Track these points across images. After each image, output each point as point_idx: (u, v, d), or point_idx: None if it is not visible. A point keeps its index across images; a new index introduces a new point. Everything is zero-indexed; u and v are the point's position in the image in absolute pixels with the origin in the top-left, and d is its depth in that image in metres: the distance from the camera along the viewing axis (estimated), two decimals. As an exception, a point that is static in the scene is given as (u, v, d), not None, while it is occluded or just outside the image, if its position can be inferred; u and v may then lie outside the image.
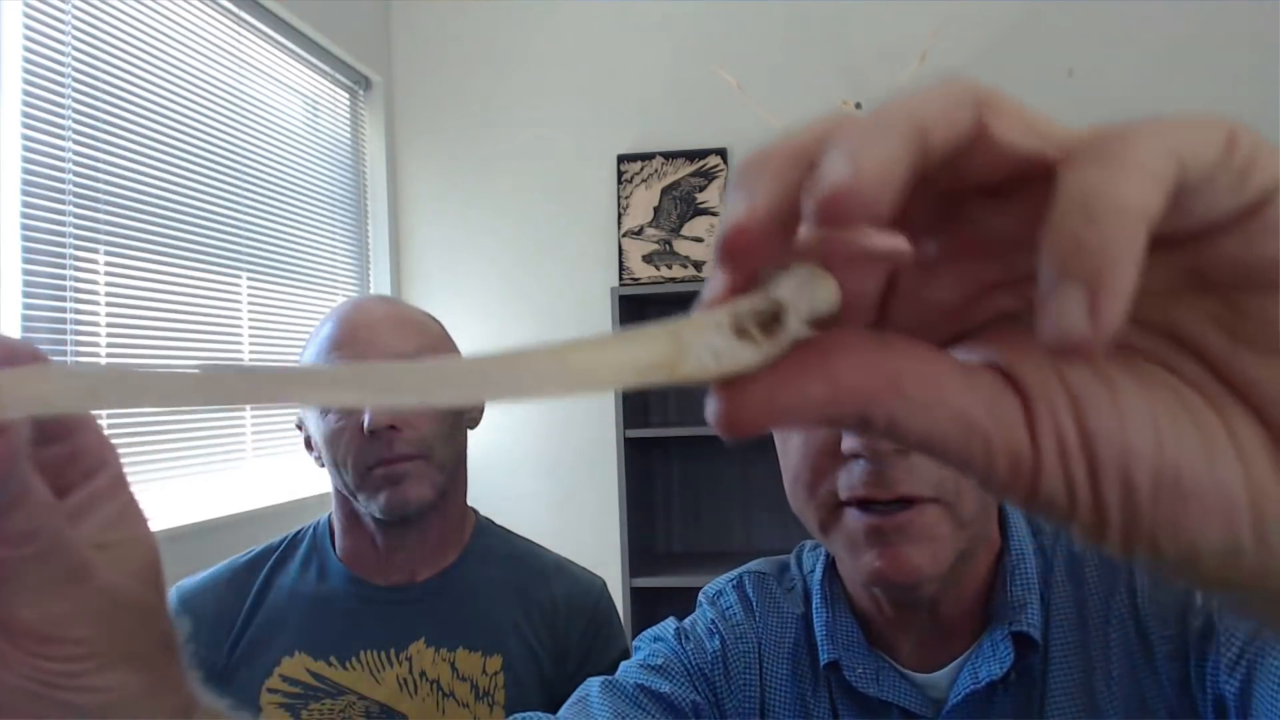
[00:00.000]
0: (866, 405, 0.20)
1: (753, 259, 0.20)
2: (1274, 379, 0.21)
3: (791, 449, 0.67)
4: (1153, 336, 0.22)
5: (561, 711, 0.71)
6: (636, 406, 2.34)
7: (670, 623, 0.80)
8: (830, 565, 0.76)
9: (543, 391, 0.20)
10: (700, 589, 0.83)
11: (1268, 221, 0.20)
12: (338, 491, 1.07)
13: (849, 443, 0.61)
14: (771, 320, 0.21)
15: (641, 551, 2.29)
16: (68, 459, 0.30)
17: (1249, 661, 0.58)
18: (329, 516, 1.12)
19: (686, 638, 0.77)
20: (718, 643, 0.76)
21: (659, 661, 0.74)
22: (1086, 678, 0.65)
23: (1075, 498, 0.20)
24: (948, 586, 0.67)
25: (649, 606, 2.24)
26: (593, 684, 0.73)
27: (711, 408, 0.21)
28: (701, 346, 0.21)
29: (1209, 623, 0.62)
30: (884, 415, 0.20)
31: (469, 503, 1.16)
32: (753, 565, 0.82)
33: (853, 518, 0.63)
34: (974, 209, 0.22)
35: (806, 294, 0.21)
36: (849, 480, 0.63)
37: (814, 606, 0.75)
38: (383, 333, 1.03)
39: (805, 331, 0.21)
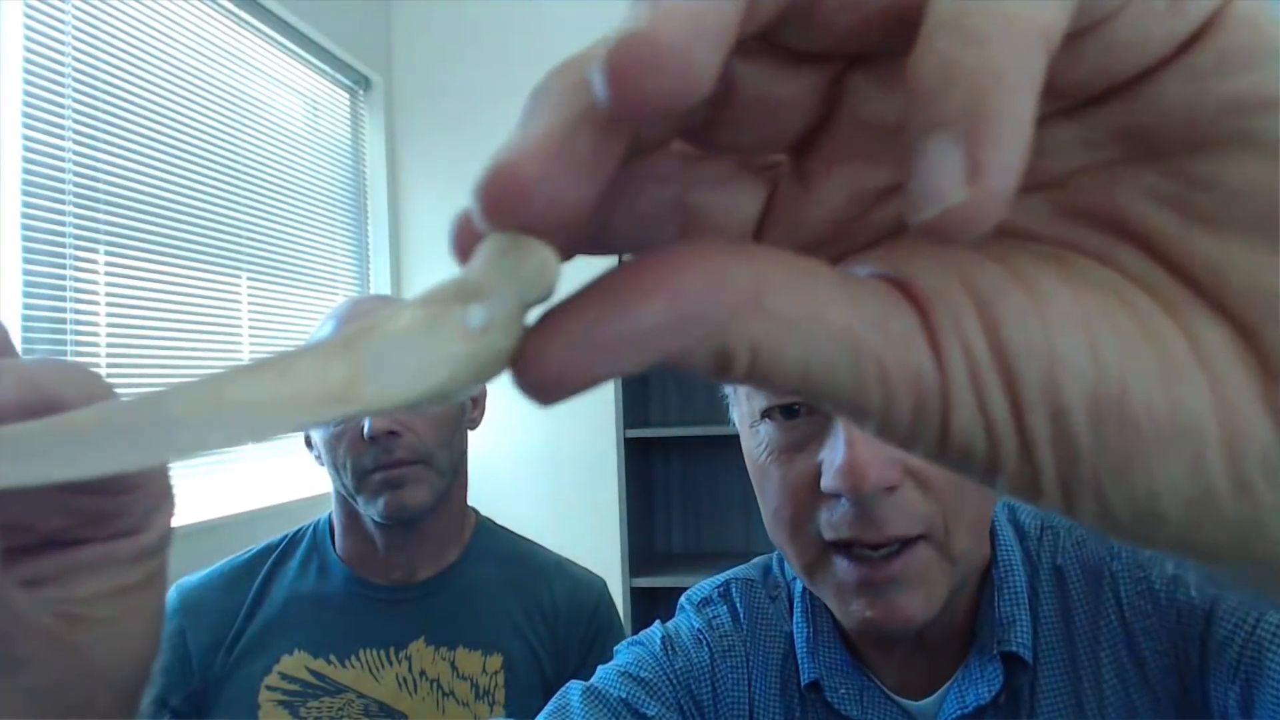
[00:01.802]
0: (722, 330, 0.15)
1: (529, 211, 0.15)
2: (1242, 264, 0.16)
3: (769, 485, 0.62)
4: (1084, 226, 0.17)
5: (539, 717, 0.68)
6: (636, 406, 2.34)
7: (656, 629, 0.75)
8: None
9: (206, 442, 0.14)
10: None
11: (1218, 51, 0.15)
12: (337, 492, 1.07)
13: (828, 481, 0.56)
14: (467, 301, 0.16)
15: (641, 551, 2.29)
16: (102, 514, 0.25)
17: (1247, 667, 0.55)
18: (329, 515, 1.12)
19: (673, 648, 0.72)
20: (705, 654, 0.71)
21: (645, 674, 0.70)
22: (1076, 698, 0.62)
23: (995, 436, 0.16)
24: (934, 619, 0.63)
25: (649, 607, 2.24)
26: (573, 690, 0.69)
27: (517, 367, 0.16)
28: (391, 355, 0.15)
29: (1204, 627, 0.58)
30: (745, 342, 0.15)
31: (469, 502, 1.16)
32: (739, 572, 0.77)
33: (842, 568, 0.59)
34: (854, 96, 0.17)
35: (509, 273, 0.16)
36: (833, 521, 0.58)
37: (795, 621, 0.71)
38: None
39: (518, 326, 0.16)
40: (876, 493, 0.56)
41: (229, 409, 0.14)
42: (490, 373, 0.16)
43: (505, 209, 0.15)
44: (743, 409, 0.65)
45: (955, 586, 0.61)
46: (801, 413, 0.59)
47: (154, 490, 0.26)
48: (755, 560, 0.79)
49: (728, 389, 0.70)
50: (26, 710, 0.23)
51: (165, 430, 0.14)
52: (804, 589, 0.71)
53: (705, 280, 0.15)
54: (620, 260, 0.17)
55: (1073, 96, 0.16)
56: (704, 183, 0.18)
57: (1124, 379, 0.15)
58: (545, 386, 0.15)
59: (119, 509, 0.25)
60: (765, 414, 0.61)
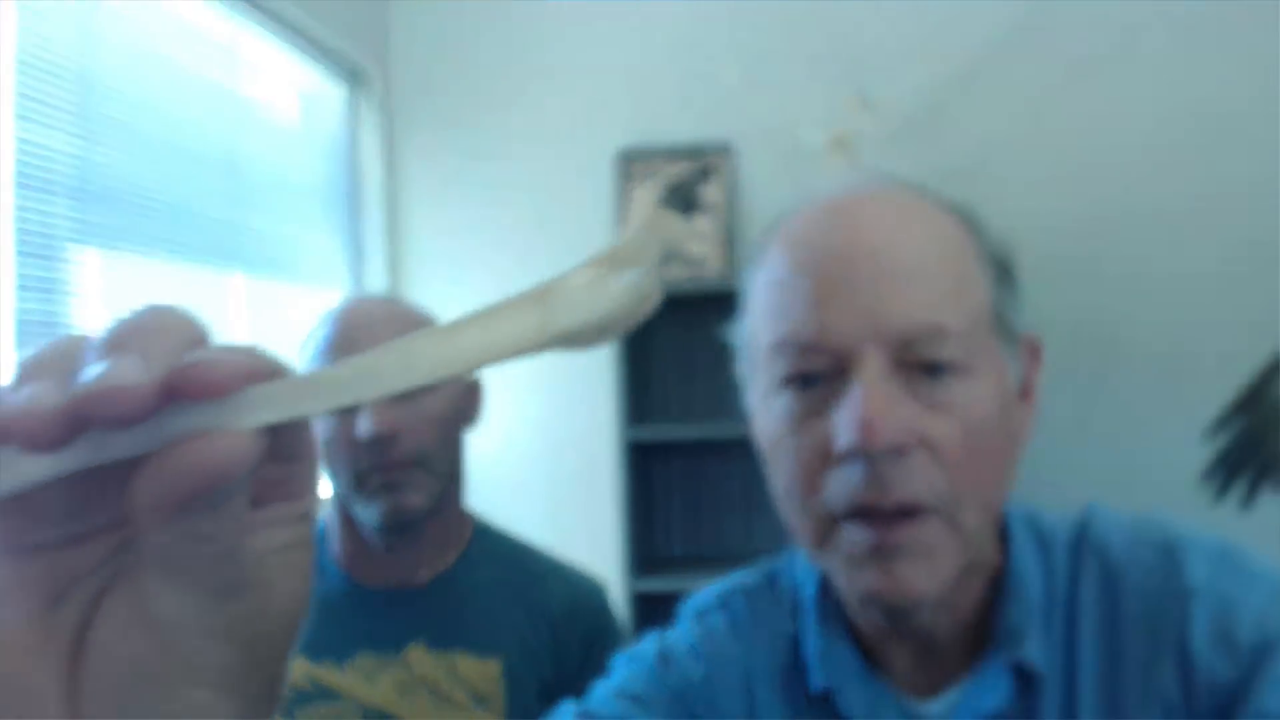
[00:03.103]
0: None
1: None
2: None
3: (782, 456, 0.63)
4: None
5: None
6: (637, 407, 2.32)
7: (651, 642, 0.74)
8: (825, 581, 0.71)
9: (436, 376, 0.22)
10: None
11: None
12: (334, 494, 1.05)
13: (841, 441, 0.57)
14: (616, 260, 0.23)
15: (642, 554, 2.28)
16: (276, 480, 0.29)
17: None
18: (325, 519, 1.11)
19: (668, 662, 0.71)
20: (701, 668, 0.71)
21: (639, 690, 0.69)
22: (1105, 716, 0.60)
23: None
24: (946, 607, 0.63)
25: (650, 610, 2.23)
26: (566, 712, 0.68)
27: None
28: (572, 300, 0.22)
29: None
30: None
31: (468, 505, 1.15)
32: (739, 580, 0.77)
33: (852, 534, 0.59)
34: None
35: (649, 233, 0.24)
36: (844, 487, 0.59)
37: (807, 626, 0.70)
38: (380, 332, 1.02)
39: (653, 278, 0.23)
40: (888, 453, 0.57)
41: (457, 350, 0.22)
42: (638, 311, 0.23)
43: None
44: (761, 382, 0.65)
45: (964, 568, 0.61)
46: (819, 381, 0.60)
47: (311, 464, 0.31)
48: (758, 566, 0.78)
49: (744, 367, 0.70)
50: (231, 635, 0.27)
51: (413, 368, 0.22)
52: (817, 594, 0.70)
53: None
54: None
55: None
56: None
57: None
58: None
59: (288, 476, 0.29)
60: (783, 383, 0.62)
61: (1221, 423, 1.62)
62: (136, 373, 0.24)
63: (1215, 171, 2.25)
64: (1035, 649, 0.62)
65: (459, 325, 0.22)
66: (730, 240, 2.42)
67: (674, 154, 2.48)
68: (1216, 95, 2.26)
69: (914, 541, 0.58)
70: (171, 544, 0.25)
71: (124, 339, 0.26)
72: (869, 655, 0.68)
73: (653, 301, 0.23)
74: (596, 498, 2.44)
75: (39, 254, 1.49)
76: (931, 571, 0.59)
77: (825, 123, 2.29)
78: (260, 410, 0.24)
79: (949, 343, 0.59)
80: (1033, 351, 0.67)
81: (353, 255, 2.58)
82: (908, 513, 0.58)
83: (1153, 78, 2.30)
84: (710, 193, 2.45)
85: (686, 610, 0.76)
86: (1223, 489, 1.59)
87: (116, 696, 0.26)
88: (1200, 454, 1.66)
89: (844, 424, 0.57)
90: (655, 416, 2.50)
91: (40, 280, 1.49)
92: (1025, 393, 0.66)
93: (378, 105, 2.64)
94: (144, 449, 0.24)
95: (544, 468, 2.52)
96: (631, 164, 2.50)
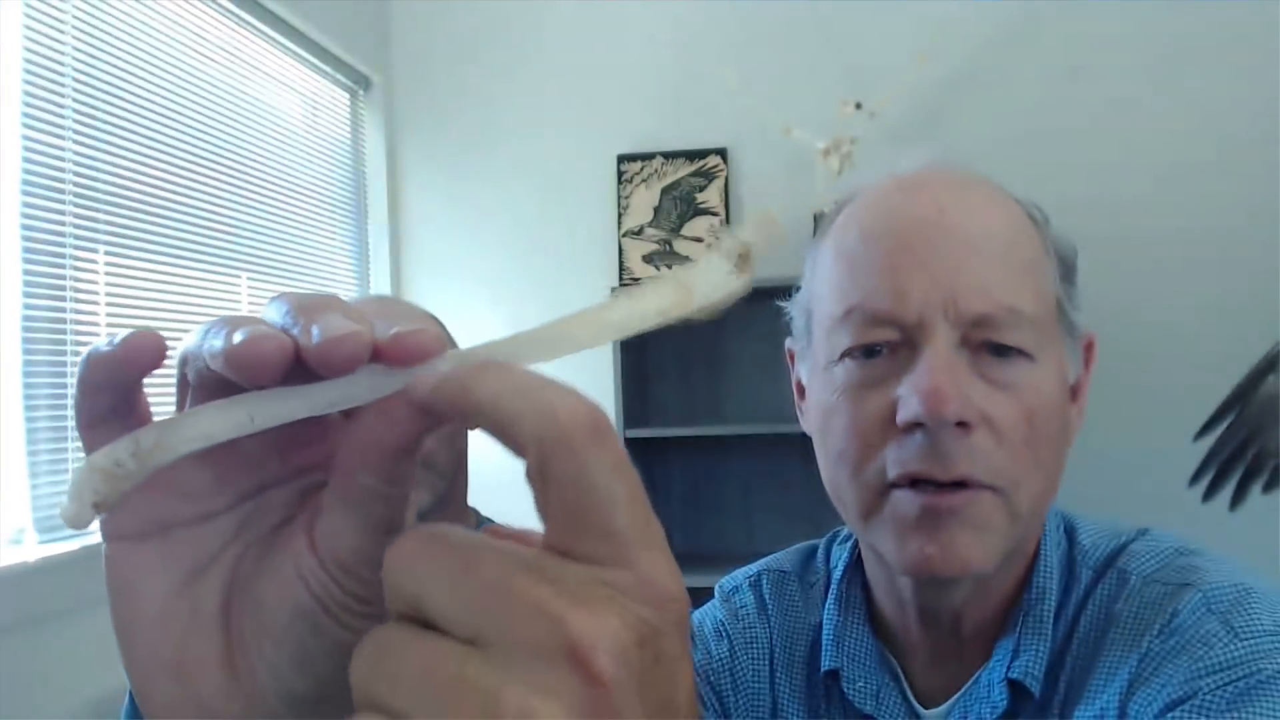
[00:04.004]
0: None
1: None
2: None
3: (837, 423, 0.60)
4: None
5: None
6: (636, 406, 2.34)
7: None
8: (853, 564, 0.71)
9: (594, 342, 0.26)
10: (701, 589, 0.79)
11: None
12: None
13: (907, 411, 0.56)
14: (742, 259, 0.28)
15: (641, 552, 2.28)
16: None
17: None
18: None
19: (693, 640, 0.71)
20: (725, 647, 0.71)
21: None
22: None
23: None
24: (983, 591, 0.62)
25: (649, 607, 2.24)
26: None
27: None
28: (705, 284, 0.27)
29: None
30: None
31: (470, 502, 1.16)
32: (774, 561, 0.76)
33: (903, 498, 0.57)
34: None
35: (765, 231, 0.28)
36: (902, 455, 0.57)
37: (826, 607, 0.69)
38: None
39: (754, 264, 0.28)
40: (951, 428, 0.56)
41: (606, 323, 0.26)
42: (746, 287, 0.27)
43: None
44: (819, 353, 0.64)
45: (1011, 550, 0.60)
46: (883, 352, 0.59)
47: (458, 437, 0.37)
48: (798, 546, 0.78)
49: (800, 335, 0.68)
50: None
51: (568, 339, 0.26)
52: (842, 578, 0.70)
53: None
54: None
55: None
56: None
57: None
58: None
59: (435, 444, 0.35)
60: (845, 354, 0.61)
61: (1211, 423, 1.63)
62: (354, 324, 0.26)
63: (1211, 177, 2.26)
64: (1035, 669, 0.60)
65: (613, 301, 0.27)
66: (729, 242, 2.44)
67: (673, 157, 2.50)
68: (1216, 97, 2.27)
69: (968, 511, 0.57)
70: (375, 484, 0.28)
71: (316, 305, 0.27)
72: (888, 644, 0.67)
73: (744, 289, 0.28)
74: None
75: (45, 256, 1.51)
76: (982, 543, 0.57)
77: (822, 126, 2.31)
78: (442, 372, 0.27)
79: (1022, 326, 0.58)
80: (1088, 350, 0.66)
81: (357, 257, 2.60)
82: (962, 485, 0.57)
83: (1147, 81, 2.31)
84: (709, 195, 2.46)
85: (718, 589, 0.77)
86: (1211, 489, 1.60)
87: (277, 644, 0.28)
88: (1191, 455, 1.68)
89: (911, 395, 0.56)
90: (654, 414, 2.52)
91: (46, 281, 1.51)
92: (1077, 391, 0.65)
93: (380, 111, 2.66)
94: (347, 403, 0.27)
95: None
96: (630, 167, 2.51)
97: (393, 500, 0.29)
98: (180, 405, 0.29)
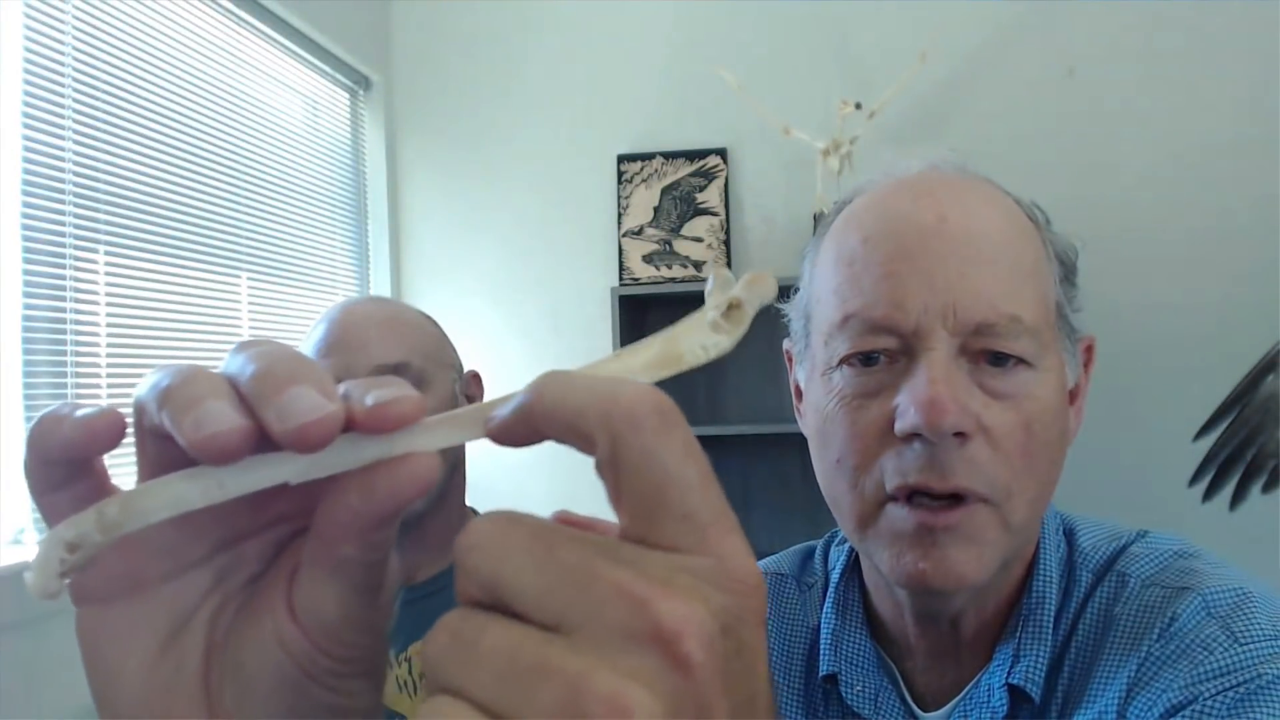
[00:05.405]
0: None
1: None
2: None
3: (835, 432, 0.60)
4: None
5: None
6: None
7: None
8: (851, 566, 0.71)
9: None
10: None
11: None
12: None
13: (905, 422, 0.55)
14: (732, 311, 0.27)
15: (641, 552, 2.29)
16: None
17: None
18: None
19: None
20: None
21: None
22: None
23: None
24: (979, 599, 0.62)
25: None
26: None
27: None
28: (693, 343, 0.27)
29: None
30: None
31: (469, 502, 1.16)
32: (772, 563, 0.76)
33: (898, 515, 0.57)
34: None
35: (756, 290, 0.28)
36: (900, 466, 0.57)
37: (824, 611, 0.69)
38: (372, 334, 1.03)
39: (749, 318, 0.28)
40: (949, 438, 0.55)
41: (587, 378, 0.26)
42: (736, 341, 0.28)
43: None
44: (817, 357, 0.63)
45: (1004, 562, 0.59)
46: (881, 360, 0.59)
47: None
48: (796, 547, 0.77)
49: (798, 338, 0.68)
50: (373, 627, 0.29)
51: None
52: (840, 580, 0.70)
53: None
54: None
55: None
56: None
57: None
58: None
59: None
60: (844, 360, 0.60)
61: (1211, 423, 1.63)
62: (328, 403, 0.24)
63: (1210, 177, 2.26)
64: (1035, 674, 0.60)
65: (601, 361, 0.28)
66: (728, 243, 2.44)
67: (673, 157, 2.50)
68: (1216, 97, 2.27)
69: (963, 526, 0.56)
70: (355, 553, 0.26)
71: (294, 373, 0.26)
72: (885, 647, 0.67)
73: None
74: (597, 495, 2.45)
75: (45, 256, 1.51)
76: (977, 557, 0.57)
77: (822, 126, 2.31)
78: (418, 438, 0.26)
79: (1022, 335, 0.58)
80: (1088, 353, 0.66)
81: (357, 257, 2.60)
82: (958, 498, 0.56)
83: (1147, 81, 2.31)
84: (709, 196, 2.46)
85: None
86: (1211, 489, 1.61)
87: (263, 706, 0.28)
88: (1191, 455, 1.68)
89: (909, 405, 0.55)
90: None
91: (46, 281, 1.51)
92: (1075, 394, 0.64)
93: (380, 111, 2.66)
94: (322, 473, 0.26)
95: (544, 466, 2.53)
96: (630, 167, 2.51)
97: (373, 565, 0.28)
98: (140, 448, 0.28)
